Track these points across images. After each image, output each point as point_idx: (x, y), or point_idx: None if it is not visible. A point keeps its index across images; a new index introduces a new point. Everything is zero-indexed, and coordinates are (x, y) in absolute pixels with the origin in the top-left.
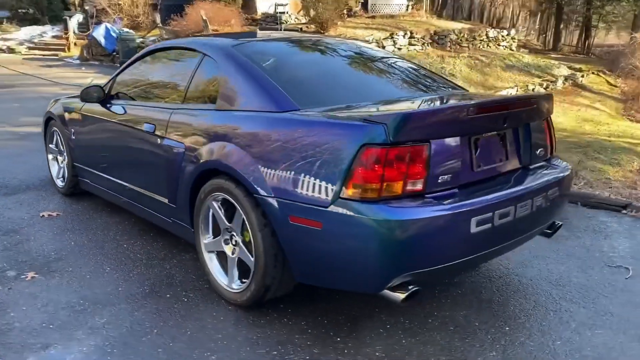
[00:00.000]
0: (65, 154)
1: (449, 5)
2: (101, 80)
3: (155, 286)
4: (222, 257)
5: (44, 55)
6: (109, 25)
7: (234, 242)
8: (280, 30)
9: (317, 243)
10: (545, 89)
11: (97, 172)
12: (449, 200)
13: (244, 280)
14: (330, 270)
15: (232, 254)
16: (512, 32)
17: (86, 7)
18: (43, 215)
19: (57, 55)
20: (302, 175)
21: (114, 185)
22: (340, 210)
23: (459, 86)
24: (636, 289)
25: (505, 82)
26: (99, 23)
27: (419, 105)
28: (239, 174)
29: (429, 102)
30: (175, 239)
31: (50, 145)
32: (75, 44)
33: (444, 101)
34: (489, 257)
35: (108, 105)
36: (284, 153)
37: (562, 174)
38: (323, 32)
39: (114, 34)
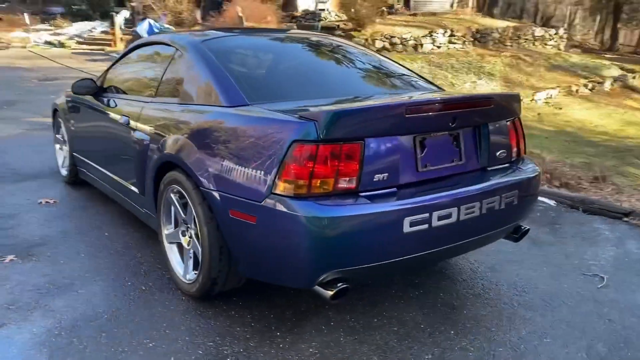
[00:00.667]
0: (67, 143)
1: (500, 3)
2: None
3: (120, 274)
4: (181, 248)
5: (91, 49)
6: (152, 22)
7: (189, 234)
8: (317, 27)
9: (253, 237)
10: (590, 90)
11: (89, 162)
12: (381, 199)
13: (195, 272)
14: (265, 265)
15: (188, 245)
16: (561, 31)
17: (133, 4)
18: (41, 202)
19: (103, 50)
20: (241, 169)
21: (101, 175)
22: (272, 205)
23: (435, 85)
24: (604, 299)
25: (547, 83)
26: (144, 19)
27: (359, 104)
28: (187, 167)
29: (377, 101)
30: (154, 230)
31: (57, 135)
32: (121, 39)
33: (394, 100)
34: (433, 258)
35: (98, 97)
36: (226, 147)
37: (522, 177)
38: (360, 29)
39: (156, 30)
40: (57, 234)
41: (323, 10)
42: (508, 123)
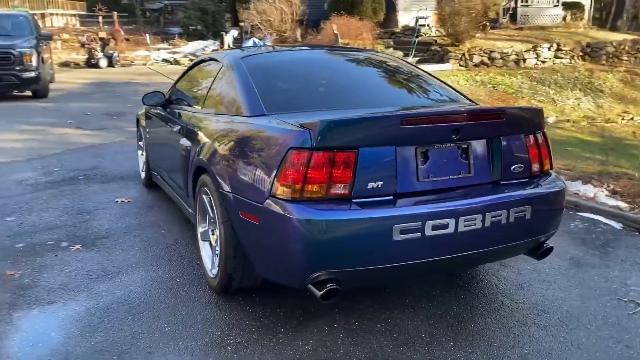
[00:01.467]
0: (144, 149)
1: (625, 15)
2: None
3: (161, 266)
4: (212, 245)
5: None
6: (256, 40)
7: (216, 233)
8: (413, 43)
9: (257, 236)
10: None
11: (157, 166)
12: (372, 207)
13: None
14: (268, 263)
15: (215, 242)
16: None
17: (242, 24)
18: (117, 201)
19: None
20: (249, 173)
21: (164, 177)
22: (271, 206)
23: (467, 98)
24: (630, 326)
25: None
26: (250, 38)
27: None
28: (211, 171)
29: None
30: None
31: (139, 142)
32: None
33: (389, 111)
34: (432, 267)
35: (165, 108)
36: (239, 153)
37: (536, 192)
38: (457, 44)
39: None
40: (121, 229)
41: (424, 25)
42: (527, 137)
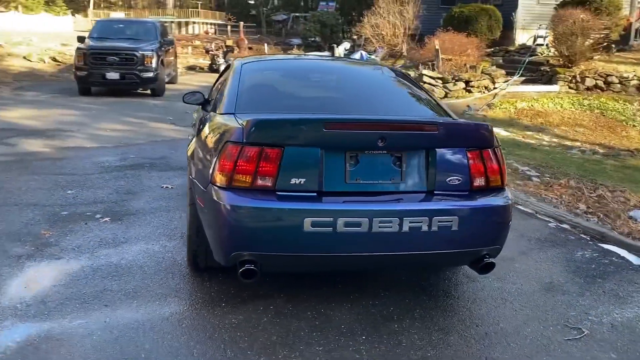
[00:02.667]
0: None
1: None
2: None
3: (160, 242)
4: None
5: None
6: (364, 52)
7: None
8: (523, 62)
9: (203, 218)
10: None
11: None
12: (289, 200)
13: None
14: (210, 243)
15: None
16: None
17: (354, 37)
18: (162, 187)
19: None
20: (203, 162)
21: None
22: (210, 192)
23: (447, 113)
24: (556, 350)
25: None
26: (358, 50)
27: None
28: (188, 160)
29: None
30: None
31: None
32: None
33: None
34: (349, 263)
35: (202, 108)
36: (201, 144)
37: (466, 205)
38: (570, 65)
39: (365, 59)
40: (150, 209)
41: (541, 45)
42: (471, 152)
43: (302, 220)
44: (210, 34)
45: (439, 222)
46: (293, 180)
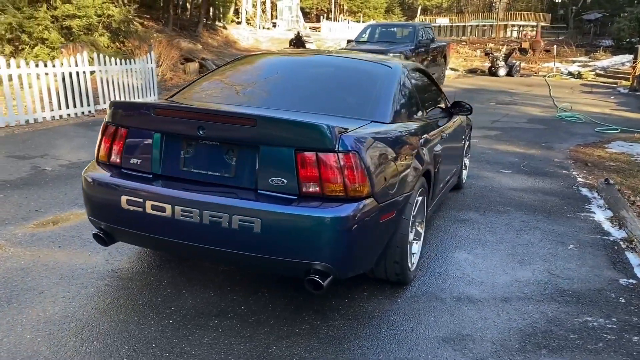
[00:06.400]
0: None
1: None
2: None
3: None
4: None
5: (604, 82)
6: None
7: None
8: None
9: None
10: None
11: None
12: (120, 177)
13: None
14: None
15: None
16: None
17: None
18: None
19: (616, 83)
20: None
21: None
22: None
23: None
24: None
25: None
26: None
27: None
28: None
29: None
30: None
31: None
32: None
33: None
34: (157, 244)
35: None
36: None
37: (271, 209)
38: None
39: None
40: None
41: None
42: (301, 153)
43: (120, 197)
44: (529, 36)
45: (240, 221)
46: (133, 160)
